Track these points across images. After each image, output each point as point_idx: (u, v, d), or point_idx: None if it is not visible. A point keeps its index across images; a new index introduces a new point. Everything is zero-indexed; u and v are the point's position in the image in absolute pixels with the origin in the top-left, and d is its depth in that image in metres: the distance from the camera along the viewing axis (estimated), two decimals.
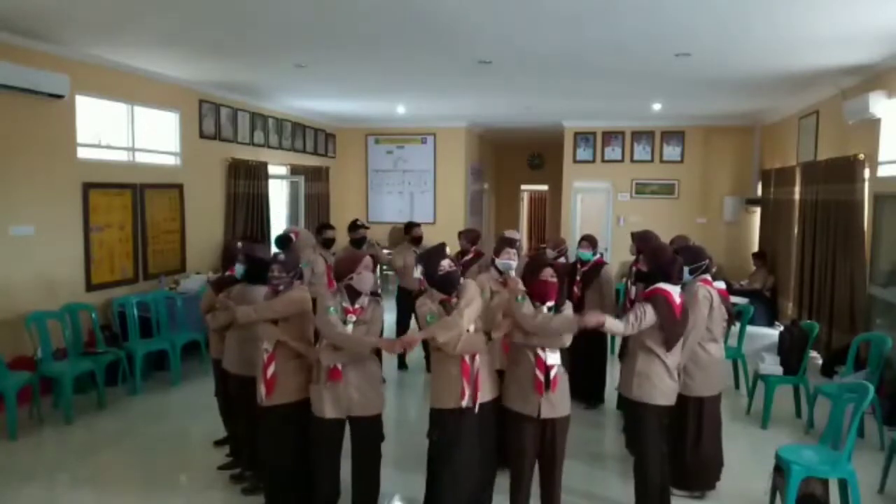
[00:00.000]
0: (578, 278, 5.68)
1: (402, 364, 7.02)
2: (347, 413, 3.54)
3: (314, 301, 3.85)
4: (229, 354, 4.15)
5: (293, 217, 10.72)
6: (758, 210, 10.69)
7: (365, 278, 3.53)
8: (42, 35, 5.61)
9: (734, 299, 6.69)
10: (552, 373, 3.38)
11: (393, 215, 12.10)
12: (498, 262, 4.28)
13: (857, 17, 4.82)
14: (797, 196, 8.54)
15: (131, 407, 5.82)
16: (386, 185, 12.42)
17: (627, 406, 3.85)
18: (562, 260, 6.11)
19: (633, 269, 5.37)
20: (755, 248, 10.52)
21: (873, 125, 6.41)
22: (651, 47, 5.90)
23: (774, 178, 9.73)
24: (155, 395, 6.11)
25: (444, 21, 5.13)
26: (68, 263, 6.29)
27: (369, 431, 3.61)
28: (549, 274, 3.45)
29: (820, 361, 6.99)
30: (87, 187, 6.44)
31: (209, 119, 8.38)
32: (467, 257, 6.34)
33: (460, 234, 6.77)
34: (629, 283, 5.53)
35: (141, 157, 7.34)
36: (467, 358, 3.42)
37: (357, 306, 3.53)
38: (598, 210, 11.95)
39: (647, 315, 3.53)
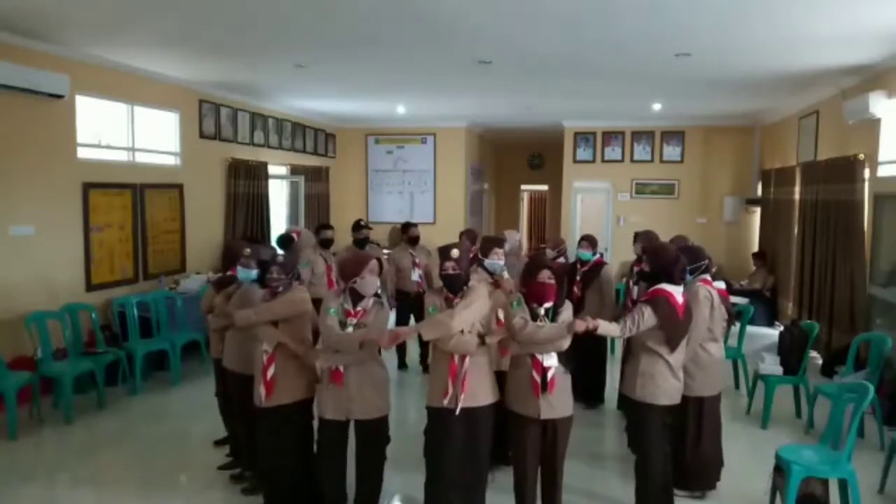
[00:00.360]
0: (578, 278, 5.68)
1: (402, 364, 7.02)
2: (347, 415, 3.53)
3: (314, 301, 3.85)
4: (229, 352, 4.13)
5: (293, 217, 10.70)
6: (758, 210, 10.68)
7: (369, 282, 3.52)
8: (42, 35, 5.61)
9: (734, 299, 6.69)
10: (549, 374, 3.38)
11: (393, 215, 12.06)
12: (487, 262, 4.19)
13: (857, 17, 4.82)
14: (797, 196, 8.54)
15: (131, 407, 5.82)
16: (386, 185, 12.41)
17: (630, 406, 3.84)
18: (561, 260, 6.12)
19: (635, 268, 5.37)
20: (755, 248, 10.51)
21: (873, 125, 6.41)
22: (651, 47, 5.90)
23: (774, 178, 9.72)
24: (155, 395, 6.11)
25: (444, 21, 5.13)
26: (68, 263, 6.29)
27: (372, 433, 3.60)
28: (546, 276, 3.44)
29: (820, 361, 6.98)
30: (87, 187, 6.43)
31: (209, 119, 8.38)
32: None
33: (461, 234, 6.75)
34: (630, 282, 5.53)
35: (141, 157, 7.34)
36: (457, 358, 3.40)
37: (359, 309, 3.51)
38: (598, 210, 11.94)
39: (646, 317, 3.52)
